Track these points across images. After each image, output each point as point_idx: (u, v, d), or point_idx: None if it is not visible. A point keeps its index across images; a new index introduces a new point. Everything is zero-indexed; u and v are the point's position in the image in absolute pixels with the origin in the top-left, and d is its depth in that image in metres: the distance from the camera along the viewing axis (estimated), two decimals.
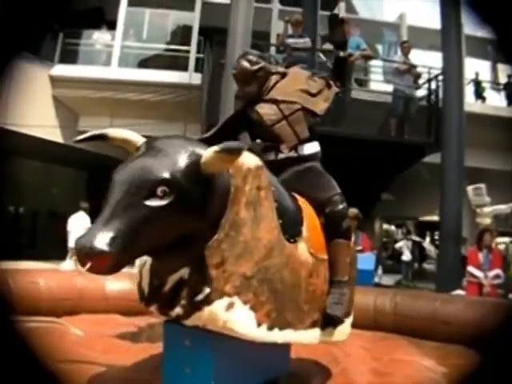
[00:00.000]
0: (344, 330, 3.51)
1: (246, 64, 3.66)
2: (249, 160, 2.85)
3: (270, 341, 2.84)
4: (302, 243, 3.12)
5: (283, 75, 3.77)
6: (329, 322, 3.34)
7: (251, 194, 2.80)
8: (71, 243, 11.44)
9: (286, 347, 3.39)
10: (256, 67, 3.65)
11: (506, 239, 15.59)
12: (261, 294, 2.76)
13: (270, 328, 2.81)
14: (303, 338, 3.14)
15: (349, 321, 3.60)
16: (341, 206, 3.43)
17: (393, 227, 30.27)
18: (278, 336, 2.88)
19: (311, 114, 3.65)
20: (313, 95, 3.67)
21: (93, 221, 2.50)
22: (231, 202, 2.73)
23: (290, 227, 3.05)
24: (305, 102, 3.62)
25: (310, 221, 3.31)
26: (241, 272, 2.71)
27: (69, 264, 11.50)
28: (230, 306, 2.67)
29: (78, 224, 11.36)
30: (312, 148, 3.74)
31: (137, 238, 2.31)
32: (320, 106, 3.66)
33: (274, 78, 3.72)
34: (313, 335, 3.23)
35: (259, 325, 2.75)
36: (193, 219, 2.50)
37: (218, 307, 2.65)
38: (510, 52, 3.50)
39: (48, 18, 4.04)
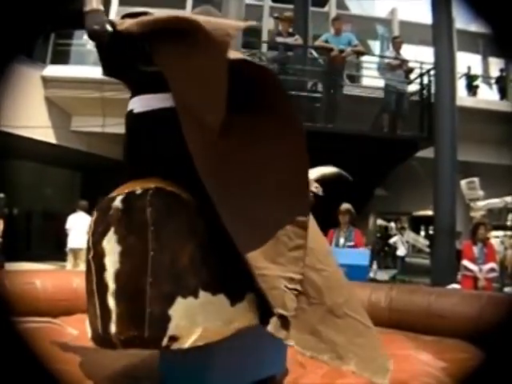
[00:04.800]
0: None
1: None
2: None
3: None
4: None
5: None
6: None
7: None
8: (70, 243, 11.36)
9: (281, 347, 3.28)
10: None
11: (501, 233, 15.65)
12: None
13: None
14: None
15: None
16: None
17: (386, 222, 30.28)
18: None
19: None
20: None
21: None
22: None
23: None
24: None
25: None
26: None
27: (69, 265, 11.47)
28: None
29: (77, 223, 11.25)
30: None
31: None
32: None
33: None
34: None
35: None
36: None
37: None
38: (504, 45, 3.50)
39: (45, 21, 4.02)
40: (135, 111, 3.01)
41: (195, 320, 2.58)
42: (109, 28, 2.79)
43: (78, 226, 11.03)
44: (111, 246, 2.68)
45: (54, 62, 16.46)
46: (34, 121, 14.77)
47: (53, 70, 15.97)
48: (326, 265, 2.86)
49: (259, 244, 2.59)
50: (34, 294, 5.02)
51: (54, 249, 14.17)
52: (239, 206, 2.66)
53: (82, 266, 10.96)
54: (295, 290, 2.60)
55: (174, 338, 2.54)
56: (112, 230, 2.71)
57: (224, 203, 2.61)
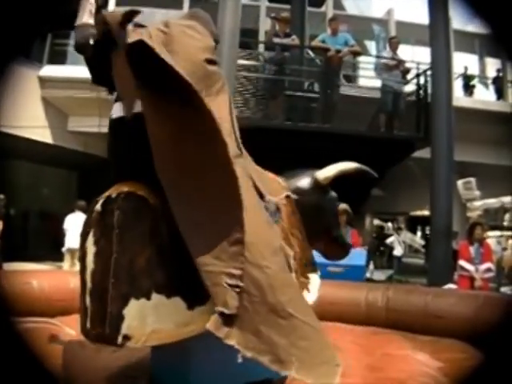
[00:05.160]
0: None
1: None
2: None
3: None
4: None
5: None
6: None
7: None
8: (68, 243, 11.34)
9: None
10: None
11: (497, 233, 15.66)
12: None
13: None
14: None
15: None
16: None
17: (383, 222, 30.27)
18: None
19: None
20: None
21: None
22: None
23: None
24: None
25: None
26: None
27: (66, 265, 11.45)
28: None
29: (74, 223, 11.19)
30: None
31: None
32: None
33: None
34: None
35: None
36: None
37: None
38: (501, 44, 3.51)
39: (43, 21, 4.05)
40: (113, 117, 3.10)
41: (146, 321, 2.67)
42: (91, 41, 2.90)
43: (76, 227, 10.96)
44: (90, 247, 2.84)
45: (51, 62, 16.43)
46: (30, 121, 14.74)
47: (50, 70, 15.94)
48: (271, 262, 2.74)
49: (206, 241, 2.62)
50: (31, 294, 5.01)
51: (51, 249, 14.13)
52: (187, 204, 2.70)
53: None
54: (236, 286, 2.57)
55: (127, 338, 2.64)
56: (92, 232, 2.85)
57: (175, 203, 2.69)
